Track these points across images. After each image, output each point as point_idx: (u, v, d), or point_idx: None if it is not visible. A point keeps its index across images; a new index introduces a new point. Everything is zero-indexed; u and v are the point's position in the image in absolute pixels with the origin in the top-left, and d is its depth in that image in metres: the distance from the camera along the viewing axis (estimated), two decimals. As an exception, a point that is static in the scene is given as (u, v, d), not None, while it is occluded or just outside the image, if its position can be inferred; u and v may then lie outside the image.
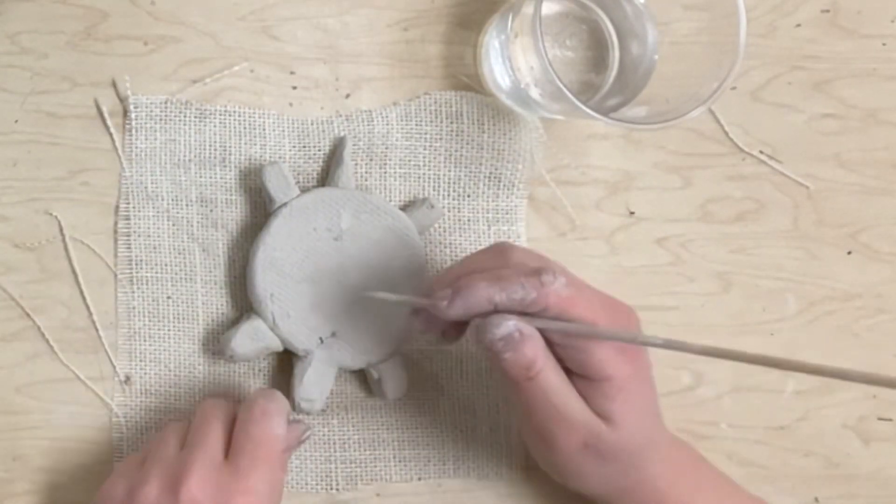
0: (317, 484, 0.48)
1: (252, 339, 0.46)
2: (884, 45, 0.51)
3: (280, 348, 0.46)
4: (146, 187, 0.48)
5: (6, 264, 0.48)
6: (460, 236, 0.49)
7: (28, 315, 0.47)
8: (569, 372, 0.40)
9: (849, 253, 0.51)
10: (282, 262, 0.46)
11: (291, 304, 0.46)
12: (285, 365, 0.48)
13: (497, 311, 0.38)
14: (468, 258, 0.42)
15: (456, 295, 0.39)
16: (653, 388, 0.42)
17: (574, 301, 0.38)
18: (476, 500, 0.49)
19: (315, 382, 0.46)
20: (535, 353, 0.39)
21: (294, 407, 0.46)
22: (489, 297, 0.38)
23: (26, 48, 0.48)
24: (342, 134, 0.48)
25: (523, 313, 0.38)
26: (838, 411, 0.50)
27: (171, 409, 0.48)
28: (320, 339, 0.46)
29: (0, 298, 0.47)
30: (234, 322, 0.47)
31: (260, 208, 0.48)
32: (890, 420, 0.51)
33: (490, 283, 0.38)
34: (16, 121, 0.48)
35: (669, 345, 0.37)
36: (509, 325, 0.38)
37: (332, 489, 0.48)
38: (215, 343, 0.48)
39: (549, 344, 0.39)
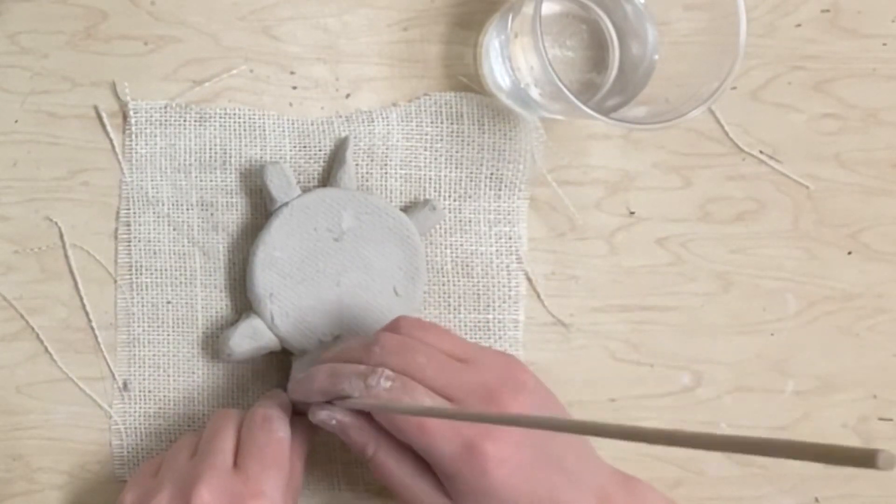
0: (318, 484, 0.48)
1: (250, 339, 0.46)
2: (884, 45, 0.51)
3: (278, 348, 0.46)
4: (147, 192, 0.48)
5: (6, 264, 0.48)
6: (461, 237, 0.49)
7: (24, 318, 0.47)
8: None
9: (849, 253, 0.51)
10: (282, 262, 0.46)
11: (291, 304, 0.46)
12: (284, 365, 0.48)
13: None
14: (347, 345, 0.44)
15: (300, 382, 0.43)
16: (534, 479, 0.39)
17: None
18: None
19: (315, 382, 0.46)
20: (361, 438, 0.41)
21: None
22: (322, 389, 0.41)
23: (26, 48, 0.48)
24: (343, 134, 0.48)
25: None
26: (838, 411, 0.50)
27: (170, 413, 0.48)
28: (319, 339, 0.46)
29: (0, 299, 0.48)
30: (234, 324, 0.47)
31: (260, 210, 0.48)
32: (890, 420, 0.51)
33: (326, 376, 0.41)
34: (16, 121, 0.48)
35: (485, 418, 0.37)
36: (322, 414, 0.42)
37: (333, 489, 0.48)
38: (215, 346, 0.48)
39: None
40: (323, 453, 0.48)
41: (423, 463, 0.41)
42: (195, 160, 0.48)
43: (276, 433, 0.42)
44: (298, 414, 0.46)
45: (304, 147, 0.48)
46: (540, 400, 0.41)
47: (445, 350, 0.41)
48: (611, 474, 0.42)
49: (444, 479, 0.40)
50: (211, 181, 0.48)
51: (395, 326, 0.43)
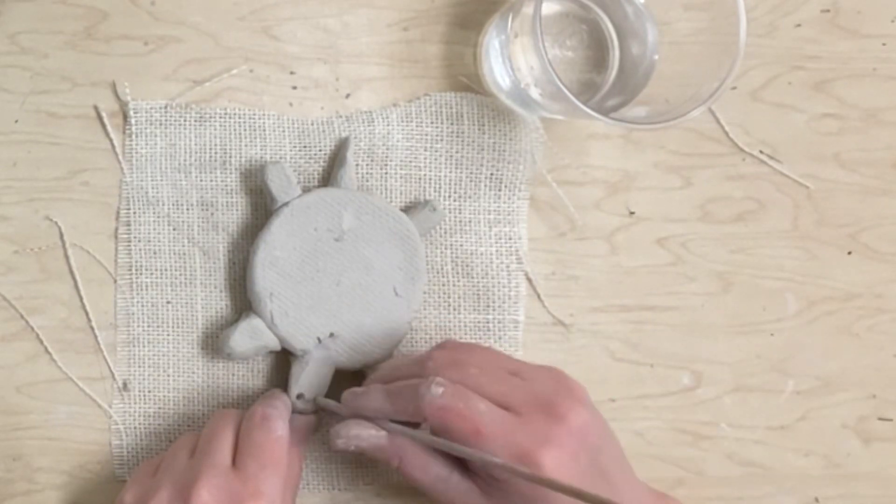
0: (318, 484, 0.48)
1: (250, 338, 0.46)
2: (884, 45, 0.51)
3: (278, 347, 0.46)
4: (147, 192, 0.48)
5: (6, 264, 0.48)
6: (461, 238, 0.49)
7: (24, 318, 0.47)
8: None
9: (849, 253, 0.51)
10: (282, 262, 0.46)
11: (290, 304, 0.46)
12: (283, 364, 0.48)
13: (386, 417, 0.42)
14: (397, 362, 0.45)
15: (352, 398, 0.43)
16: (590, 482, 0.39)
17: (450, 412, 0.39)
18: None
19: (312, 382, 0.46)
20: (383, 456, 0.42)
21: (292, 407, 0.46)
22: (378, 408, 0.42)
23: (26, 48, 0.48)
24: (343, 134, 0.48)
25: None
26: (838, 411, 0.50)
27: (170, 413, 0.48)
28: (318, 339, 0.46)
29: (0, 299, 0.48)
30: (234, 323, 0.47)
31: (261, 210, 0.48)
32: (890, 420, 0.51)
33: (381, 393, 0.42)
34: (16, 121, 0.48)
35: (527, 477, 0.37)
36: (339, 443, 0.42)
37: (333, 489, 0.48)
38: (215, 346, 0.48)
39: None
40: (323, 452, 0.48)
41: (451, 464, 0.41)
42: (195, 160, 0.48)
43: (275, 432, 0.42)
44: (297, 413, 0.46)
45: (305, 147, 0.48)
46: (591, 411, 0.41)
47: (495, 365, 0.42)
48: (647, 492, 0.42)
49: (493, 483, 0.40)
50: (211, 181, 0.48)
51: (442, 346, 0.43)
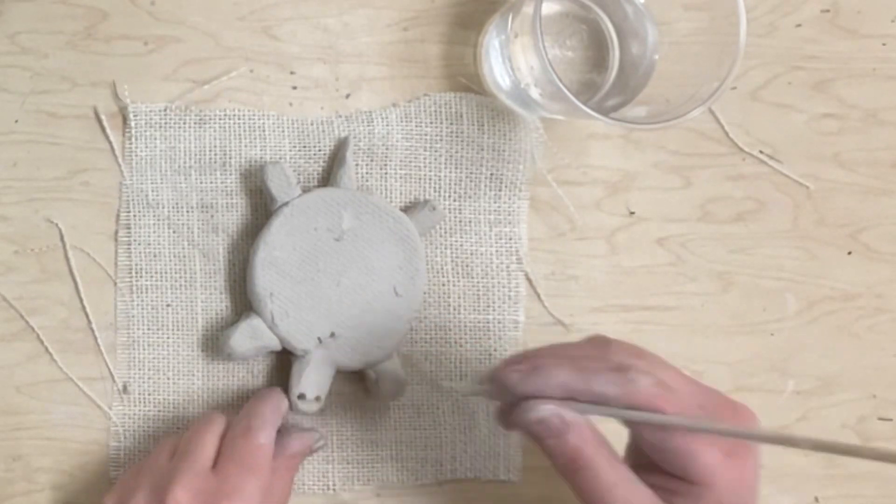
0: (314, 484, 0.48)
1: (251, 338, 0.46)
2: (884, 45, 0.51)
3: (278, 348, 0.46)
4: (147, 195, 0.48)
5: (6, 264, 0.48)
6: (461, 237, 0.49)
7: (24, 318, 0.47)
8: (659, 471, 0.37)
9: (849, 253, 0.51)
10: (282, 262, 0.46)
11: (291, 304, 0.46)
12: (284, 365, 0.48)
13: (572, 399, 0.36)
14: (563, 345, 0.39)
15: (532, 372, 0.37)
16: (755, 497, 0.37)
17: (665, 401, 0.35)
18: (474, 501, 0.49)
19: (313, 382, 0.46)
20: (580, 442, 0.36)
21: (291, 407, 0.46)
22: (566, 384, 0.36)
23: (26, 48, 0.48)
24: (343, 134, 0.48)
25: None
26: (838, 411, 0.50)
27: (169, 416, 0.48)
28: (319, 339, 0.46)
29: (0, 299, 0.48)
30: (234, 324, 0.47)
31: (261, 211, 0.48)
32: (890, 420, 0.51)
33: (572, 370, 0.36)
34: (16, 121, 0.48)
35: (779, 440, 0.34)
36: (546, 408, 0.36)
37: (330, 489, 0.48)
38: (215, 349, 0.48)
39: (645, 445, 0.37)
40: (322, 453, 0.48)
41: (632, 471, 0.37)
42: (195, 162, 0.48)
43: (257, 440, 0.42)
44: (300, 413, 0.46)
45: (304, 147, 0.48)
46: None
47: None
48: None
49: (685, 489, 0.36)
50: (211, 182, 0.48)
51: (601, 338, 0.39)
